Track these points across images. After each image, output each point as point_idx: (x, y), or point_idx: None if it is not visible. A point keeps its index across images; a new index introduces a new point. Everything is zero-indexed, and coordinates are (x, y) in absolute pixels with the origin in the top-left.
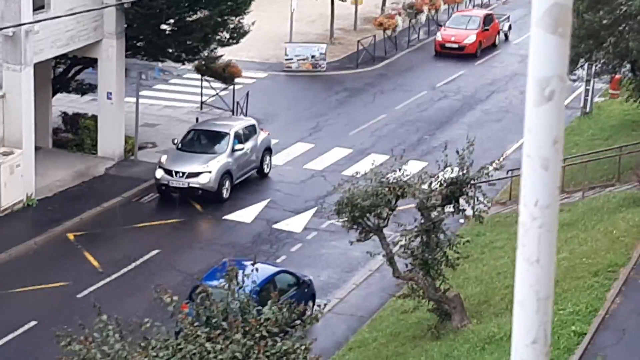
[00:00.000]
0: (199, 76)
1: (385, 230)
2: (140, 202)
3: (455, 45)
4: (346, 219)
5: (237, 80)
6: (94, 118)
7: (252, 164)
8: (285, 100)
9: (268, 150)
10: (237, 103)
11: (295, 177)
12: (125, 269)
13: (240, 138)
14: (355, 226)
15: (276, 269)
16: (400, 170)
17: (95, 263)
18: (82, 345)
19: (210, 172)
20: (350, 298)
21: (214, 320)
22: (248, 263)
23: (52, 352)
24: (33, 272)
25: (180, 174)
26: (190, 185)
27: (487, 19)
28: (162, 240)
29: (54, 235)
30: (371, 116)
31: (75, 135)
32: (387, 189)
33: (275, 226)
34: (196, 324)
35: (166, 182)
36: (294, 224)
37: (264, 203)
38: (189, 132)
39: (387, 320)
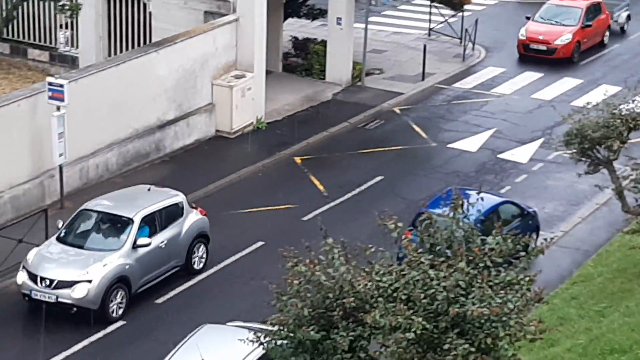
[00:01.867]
0: (427, 2)
1: (615, 164)
2: (366, 129)
3: (543, 47)
4: (575, 150)
5: (466, 7)
6: (323, 43)
7: (170, 261)
8: (515, 28)
9: (202, 239)
10: (466, 30)
11: (523, 106)
12: (349, 194)
13: (153, 225)
14: (584, 158)
15: (500, 199)
16: (633, 101)
17: (320, 187)
18: (308, 267)
19: (90, 281)
20: (576, 232)
21: (437, 248)
22: (472, 192)
23: (277, 272)
24: (260, 193)
25: (47, 282)
26: (60, 299)
27: (592, 11)
28: (386, 167)
29: (281, 158)
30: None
31: (305, 60)
32: (619, 120)
33: (500, 156)
34: (420, 250)
35: (28, 292)
36: (520, 154)
37: (489, 132)
38: (77, 213)
39: (614, 256)
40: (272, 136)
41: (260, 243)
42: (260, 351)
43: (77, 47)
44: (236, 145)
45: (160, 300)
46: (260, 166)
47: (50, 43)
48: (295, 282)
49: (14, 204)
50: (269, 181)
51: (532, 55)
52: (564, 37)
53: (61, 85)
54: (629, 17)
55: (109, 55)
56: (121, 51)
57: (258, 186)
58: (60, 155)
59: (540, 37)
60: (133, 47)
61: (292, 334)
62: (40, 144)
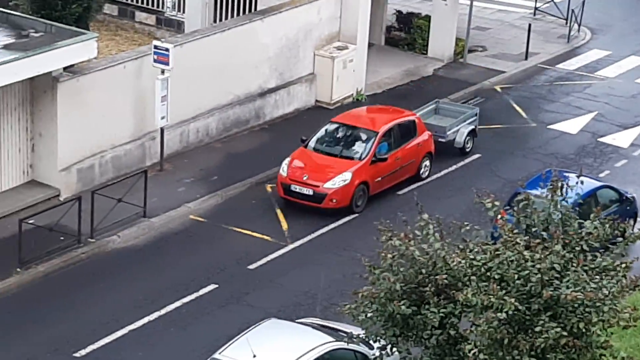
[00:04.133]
0: None
1: None
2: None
3: (309, 191)
4: None
5: None
6: (427, 18)
7: None
8: (622, 11)
9: None
10: (572, 11)
11: (626, 90)
12: (445, 171)
13: None
14: None
15: (599, 183)
16: None
17: None
18: (402, 241)
19: None
20: None
21: (534, 229)
22: (571, 174)
23: (370, 245)
24: None
25: None
26: None
27: (397, 134)
28: (484, 145)
29: None
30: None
31: (408, 34)
32: None
33: (600, 139)
34: (515, 231)
35: None
36: (621, 138)
37: (591, 115)
38: None
39: None
40: None
41: (354, 215)
42: (313, 355)
43: (183, 11)
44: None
45: (252, 266)
46: None
47: (158, 7)
48: (389, 255)
49: (115, 163)
50: None
51: (296, 201)
52: (338, 178)
53: (167, 49)
54: (473, 133)
55: (215, 21)
56: (226, 17)
57: None
58: (162, 118)
59: (305, 177)
60: (238, 14)
61: (382, 308)
62: (143, 106)
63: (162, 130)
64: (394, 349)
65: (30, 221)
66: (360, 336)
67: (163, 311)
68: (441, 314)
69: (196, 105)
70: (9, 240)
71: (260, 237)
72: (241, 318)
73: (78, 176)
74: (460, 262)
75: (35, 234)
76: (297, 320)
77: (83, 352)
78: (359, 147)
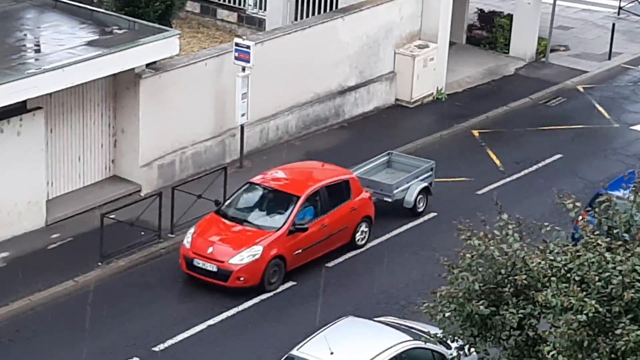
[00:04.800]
0: None
1: None
2: (547, 105)
3: (212, 267)
4: None
5: None
6: (509, 17)
7: None
8: None
9: None
10: None
11: None
12: (526, 171)
13: None
14: None
15: None
16: None
17: (497, 162)
18: (482, 241)
19: None
20: None
21: (615, 231)
22: None
23: (448, 245)
24: (436, 164)
25: None
26: None
27: (325, 198)
28: (565, 145)
29: (459, 131)
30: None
31: (489, 33)
32: None
33: None
34: (597, 232)
35: None
36: None
37: None
38: None
39: None
40: (451, 108)
41: (432, 214)
42: (390, 353)
43: (264, 9)
44: (415, 115)
45: (330, 264)
46: (438, 137)
47: (239, 4)
48: (468, 255)
49: (196, 160)
50: (446, 153)
51: (199, 277)
52: (247, 252)
53: (248, 47)
54: (427, 190)
55: (295, 19)
56: (307, 15)
57: (434, 157)
58: (243, 115)
59: (210, 250)
60: (319, 12)
61: (461, 308)
62: (223, 103)
63: (242, 127)
64: (472, 349)
65: (112, 216)
66: (438, 336)
67: (241, 307)
68: (520, 315)
69: (276, 103)
70: (90, 235)
71: None
72: (318, 316)
73: (159, 172)
74: (540, 263)
75: (116, 228)
76: (374, 319)
77: (162, 346)
78: (275, 214)
